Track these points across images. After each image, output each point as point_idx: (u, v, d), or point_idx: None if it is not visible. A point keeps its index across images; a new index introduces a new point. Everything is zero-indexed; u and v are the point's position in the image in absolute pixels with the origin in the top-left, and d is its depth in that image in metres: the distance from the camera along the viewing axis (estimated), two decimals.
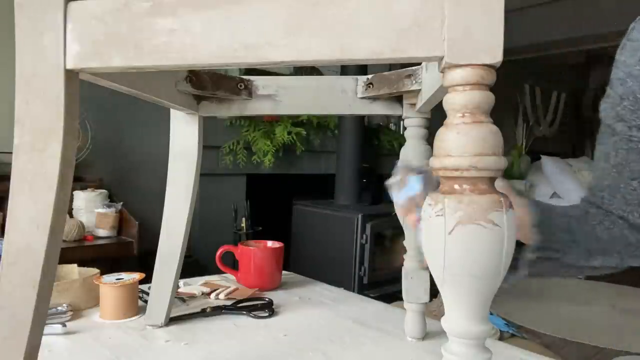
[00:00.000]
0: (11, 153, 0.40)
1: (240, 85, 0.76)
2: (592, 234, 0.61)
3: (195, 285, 1.09)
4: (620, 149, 0.61)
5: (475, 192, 0.34)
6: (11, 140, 0.40)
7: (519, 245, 0.59)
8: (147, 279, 0.88)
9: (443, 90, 0.36)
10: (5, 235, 0.41)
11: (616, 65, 0.62)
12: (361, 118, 2.89)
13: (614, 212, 0.63)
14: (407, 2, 0.35)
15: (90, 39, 0.39)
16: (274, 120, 2.69)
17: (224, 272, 1.14)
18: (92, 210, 2.04)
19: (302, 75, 2.54)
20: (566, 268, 0.62)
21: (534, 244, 0.59)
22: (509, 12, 0.35)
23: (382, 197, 2.92)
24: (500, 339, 1.80)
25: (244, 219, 2.58)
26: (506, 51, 0.33)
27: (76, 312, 0.88)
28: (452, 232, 0.34)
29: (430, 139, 0.49)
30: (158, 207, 0.84)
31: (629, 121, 0.59)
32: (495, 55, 0.33)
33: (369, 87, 0.76)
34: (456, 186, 0.35)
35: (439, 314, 1.80)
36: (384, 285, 2.68)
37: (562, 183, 4.00)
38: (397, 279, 0.88)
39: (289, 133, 2.66)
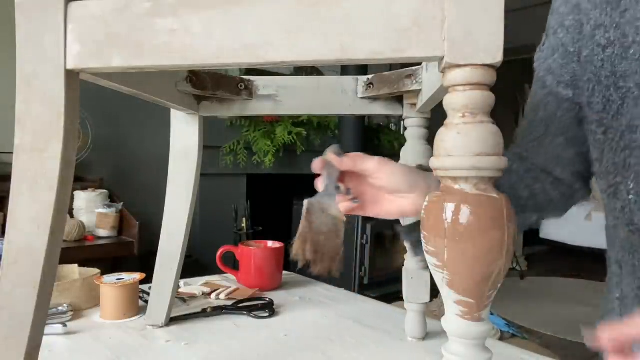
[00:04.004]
0: (11, 153, 0.41)
1: (241, 86, 0.76)
2: (512, 192, 0.55)
3: (195, 285, 1.09)
4: (549, 104, 0.59)
5: (476, 192, 0.34)
6: (11, 140, 0.40)
7: None
8: (148, 279, 0.88)
9: (443, 90, 0.36)
10: (6, 235, 0.41)
11: (551, 14, 0.59)
12: (361, 118, 2.89)
13: (538, 166, 0.61)
14: (407, 2, 0.35)
15: (91, 39, 0.39)
16: (275, 121, 2.69)
17: (224, 272, 1.14)
18: (92, 211, 2.05)
19: (302, 75, 2.54)
20: None
21: None
22: (509, 12, 0.35)
23: None
24: (501, 339, 1.80)
25: (244, 219, 2.58)
26: (506, 51, 0.33)
27: (77, 312, 0.88)
28: (452, 232, 0.34)
29: (430, 139, 0.50)
30: (158, 207, 0.84)
31: (558, 76, 0.57)
32: (495, 55, 0.33)
33: (369, 87, 0.76)
34: (456, 186, 0.35)
35: (439, 314, 1.80)
36: (384, 285, 2.68)
37: None
38: (397, 279, 0.88)
39: (290, 133, 2.66)
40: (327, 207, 0.52)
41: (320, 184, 0.54)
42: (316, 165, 0.53)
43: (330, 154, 0.53)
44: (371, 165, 0.51)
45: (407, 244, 0.61)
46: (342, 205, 0.53)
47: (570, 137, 0.59)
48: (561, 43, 0.56)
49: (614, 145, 0.51)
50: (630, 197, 0.50)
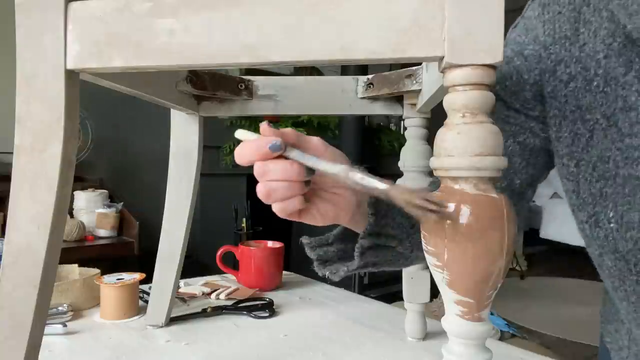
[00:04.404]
0: (12, 153, 0.41)
1: (241, 86, 0.76)
2: None
3: (195, 285, 1.09)
4: None
5: (476, 192, 0.34)
6: (11, 140, 0.40)
7: (353, 233, 0.51)
8: (148, 279, 0.88)
9: (443, 90, 0.36)
10: (6, 235, 0.41)
11: (505, 44, 0.57)
12: (361, 118, 2.89)
13: None
14: (407, 2, 0.35)
15: (91, 39, 0.39)
16: (275, 121, 2.69)
17: (224, 272, 1.14)
18: (92, 211, 2.05)
19: (302, 75, 2.54)
20: (400, 258, 0.54)
21: (369, 228, 0.49)
22: (509, 12, 0.35)
23: None
24: (501, 339, 1.81)
25: (244, 219, 2.58)
26: None
27: (77, 312, 0.88)
28: (452, 232, 0.34)
29: (430, 139, 0.49)
30: (158, 207, 0.84)
31: (508, 103, 0.55)
32: (495, 55, 0.33)
33: (370, 87, 0.76)
34: (456, 186, 0.35)
35: (439, 314, 1.80)
36: (384, 285, 2.68)
37: None
38: (397, 279, 0.88)
39: None
40: (367, 181, 0.39)
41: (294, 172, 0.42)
42: (276, 141, 0.41)
43: (264, 127, 0.42)
44: (315, 139, 0.44)
45: (315, 263, 0.53)
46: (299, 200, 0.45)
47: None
48: (516, 71, 0.55)
49: (587, 177, 0.52)
50: (612, 225, 0.50)
